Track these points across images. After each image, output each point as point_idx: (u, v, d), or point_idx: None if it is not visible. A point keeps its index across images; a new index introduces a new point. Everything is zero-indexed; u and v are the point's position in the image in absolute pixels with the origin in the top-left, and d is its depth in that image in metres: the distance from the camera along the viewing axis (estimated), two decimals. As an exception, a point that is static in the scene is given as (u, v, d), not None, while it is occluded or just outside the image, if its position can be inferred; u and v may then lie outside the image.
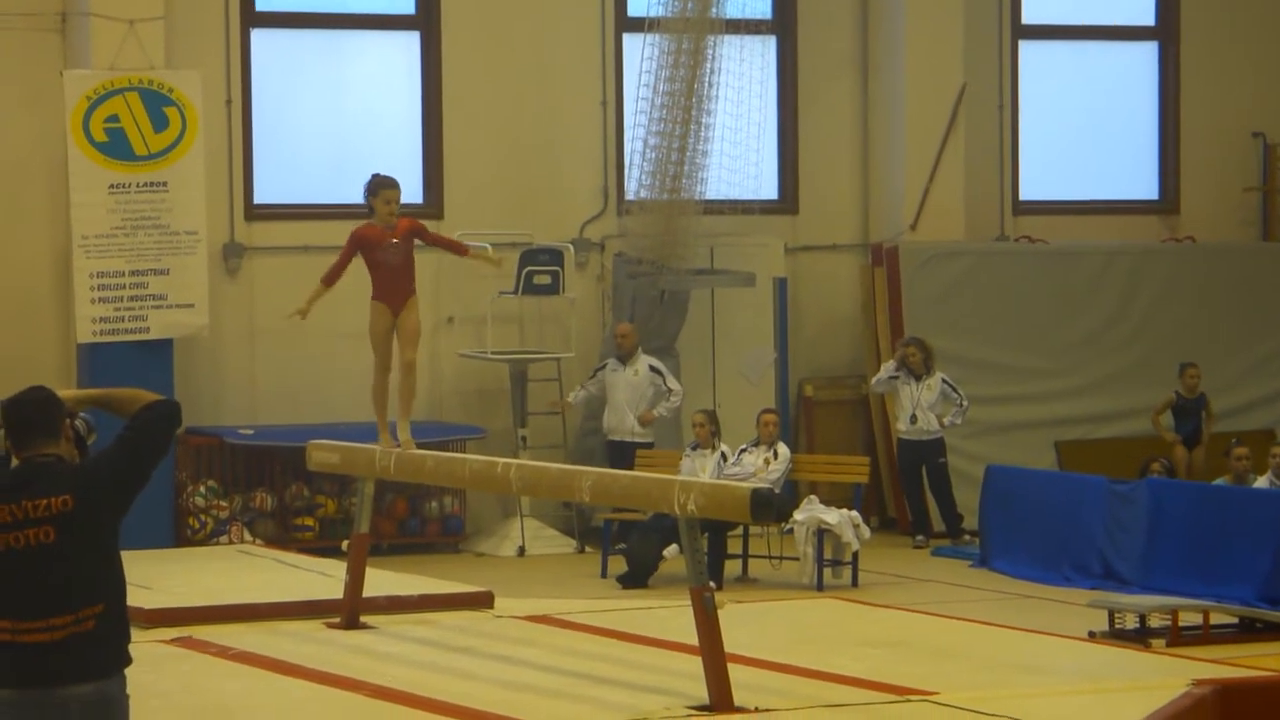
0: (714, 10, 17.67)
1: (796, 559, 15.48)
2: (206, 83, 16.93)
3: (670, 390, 17.08)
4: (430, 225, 17.47)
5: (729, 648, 9.93)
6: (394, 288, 12.03)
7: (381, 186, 12.08)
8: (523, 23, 18.20)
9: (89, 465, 6.16)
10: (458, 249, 12.60)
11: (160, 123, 16.62)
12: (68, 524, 6.03)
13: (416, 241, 12.10)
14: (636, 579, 15.32)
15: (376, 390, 12.30)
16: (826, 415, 18.89)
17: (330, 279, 12.20)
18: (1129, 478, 15.80)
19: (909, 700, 10.04)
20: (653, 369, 17.13)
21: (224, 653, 11.45)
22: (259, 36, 17.71)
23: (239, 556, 15.70)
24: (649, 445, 17.06)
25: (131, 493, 6.16)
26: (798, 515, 15.33)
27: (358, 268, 12.19)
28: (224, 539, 16.70)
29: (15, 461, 6.16)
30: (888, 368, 17.62)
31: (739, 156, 18.09)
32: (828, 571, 15.34)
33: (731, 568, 15.74)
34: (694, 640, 9.96)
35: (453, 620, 12.67)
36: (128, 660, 6.16)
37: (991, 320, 18.83)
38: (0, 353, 16.59)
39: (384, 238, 11.99)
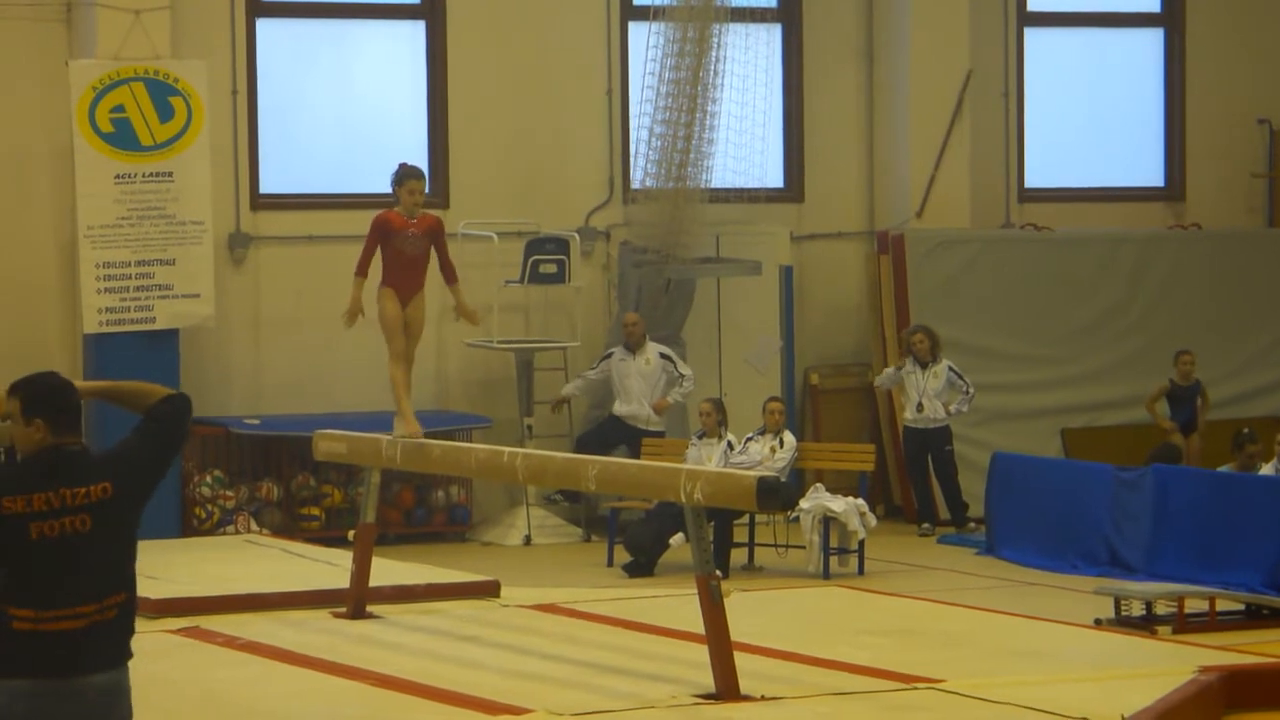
0: (719, -1, 17.68)
1: (802, 547, 15.50)
2: (212, 73, 16.93)
3: (683, 375, 17.12)
4: (436, 214, 17.59)
5: (735, 636, 9.95)
6: (406, 278, 12.10)
7: (408, 176, 12.19)
8: (528, 12, 18.20)
9: (124, 453, 6.17)
10: (449, 276, 12.42)
11: (166, 113, 16.63)
12: (104, 512, 6.05)
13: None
14: (642, 567, 15.34)
15: (397, 378, 12.32)
16: (832, 403, 18.89)
17: (363, 269, 12.25)
18: (1135, 465, 15.80)
19: (915, 688, 10.06)
20: (663, 356, 17.16)
21: (231, 642, 11.47)
22: (264, 26, 17.72)
23: (246, 546, 15.71)
24: (661, 433, 17.07)
25: (156, 483, 6.22)
26: (803, 503, 15.34)
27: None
28: (230, 529, 16.72)
29: (21, 450, 6.14)
30: (888, 374, 17.59)
31: (744, 145, 18.08)
32: (833, 560, 15.35)
33: (737, 556, 15.75)
34: (700, 629, 9.98)
35: (459, 609, 12.69)
36: (131, 653, 6.19)
37: (997, 308, 18.82)
38: (7, 343, 16.61)
39: (405, 226, 12.06)
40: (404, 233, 12.05)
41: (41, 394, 6.11)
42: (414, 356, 12.41)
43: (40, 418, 6.07)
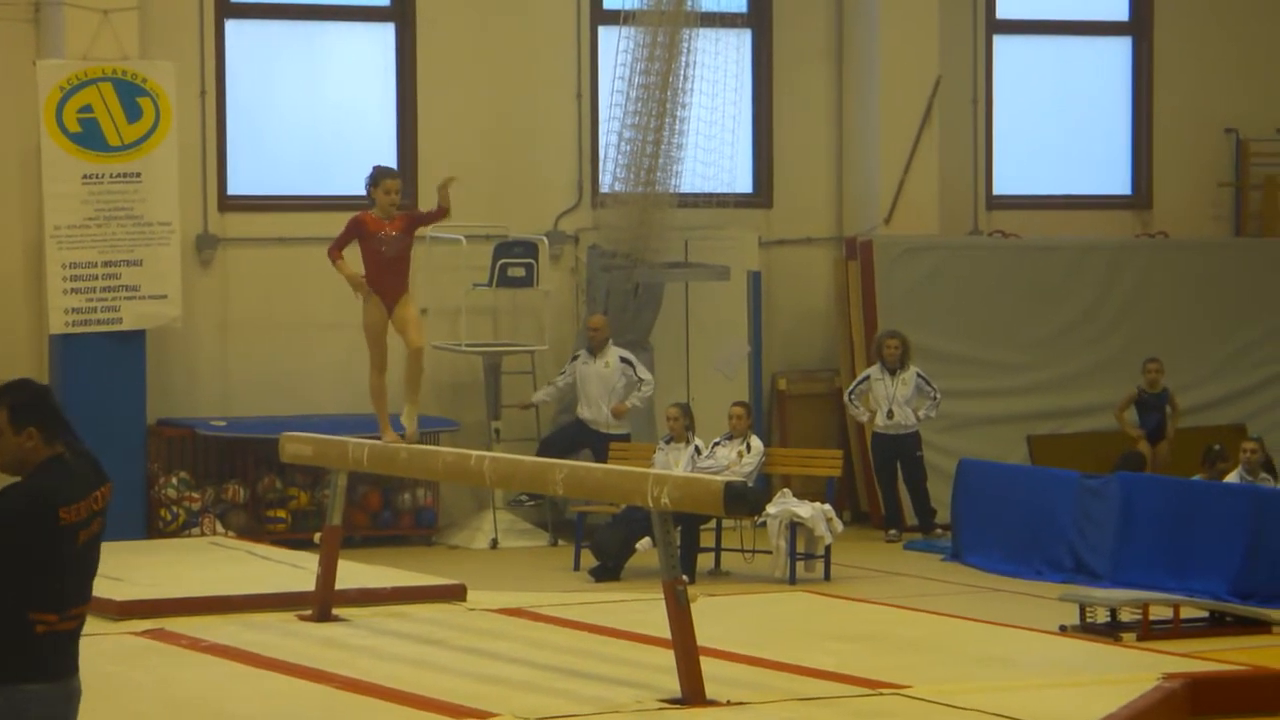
0: (689, 3, 17.68)
1: (769, 552, 15.50)
2: (181, 73, 16.89)
3: (642, 380, 17.10)
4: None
5: (701, 641, 9.95)
6: (387, 281, 11.90)
7: (383, 176, 12.00)
8: (498, 15, 18.20)
9: (89, 452, 6.17)
10: (440, 213, 12.20)
11: (134, 113, 16.58)
12: (105, 512, 6.10)
13: (420, 232, 11.98)
14: (609, 572, 15.33)
15: (375, 388, 12.19)
16: (800, 409, 18.91)
17: (334, 252, 12.03)
18: (1101, 472, 15.84)
19: (881, 693, 10.07)
20: (623, 360, 17.15)
21: (196, 645, 11.45)
22: (233, 27, 17.68)
23: (211, 549, 15.67)
24: (625, 437, 17.08)
25: None
26: (770, 509, 15.35)
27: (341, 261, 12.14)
28: (196, 531, 16.67)
29: (9, 461, 6.07)
30: (856, 409, 17.55)
31: (713, 150, 18.10)
32: (800, 565, 15.36)
33: (704, 561, 15.75)
34: (666, 633, 9.98)
35: (425, 613, 12.67)
36: None
37: (965, 314, 18.86)
38: (-28, 343, 16.57)
39: (381, 228, 11.89)
40: (380, 234, 11.89)
41: (29, 401, 6.03)
42: (423, 349, 12.20)
43: (33, 426, 5.99)
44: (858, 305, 18.64)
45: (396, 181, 12.01)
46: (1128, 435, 18.08)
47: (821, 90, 19.16)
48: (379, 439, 12.19)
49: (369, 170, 12.18)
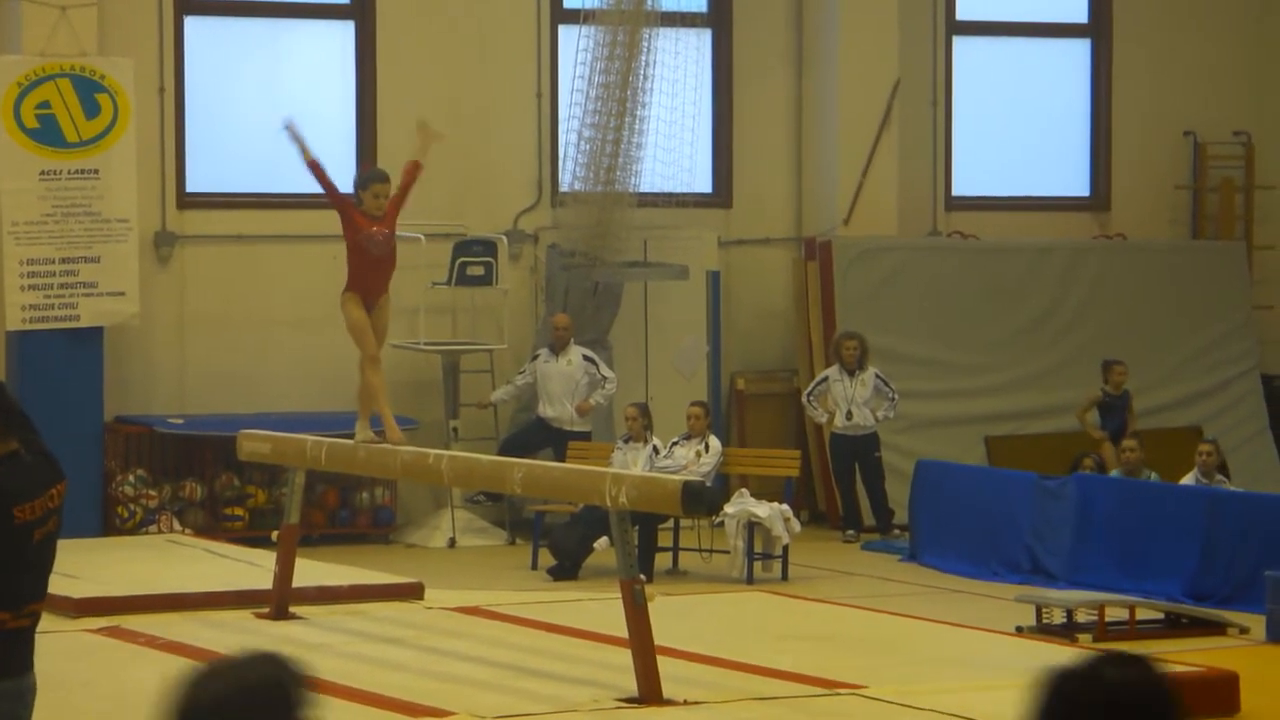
0: (649, 3, 17.69)
1: (727, 552, 15.52)
2: (139, 70, 16.85)
3: (605, 378, 17.11)
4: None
5: (658, 640, 9.97)
6: (372, 281, 11.78)
7: (371, 180, 11.91)
8: (458, 13, 18.18)
9: (46, 448, 6.15)
10: (414, 170, 12.10)
11: (92, 110, 16.53)
12: (61, 510, 6.08)
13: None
14: (566, 571, 15.33)
15: (372, 382, 11.92)
16: (758, 409, 18.93)
17: (316, 166, 11.89)
18: (1058, 474, 15.89)
19: (837, 693, 10.10)
20: (586, 358, 17.15)
21: (152, 642, 11.43)
22: (193, 24, 17.64)
23: (168, 546, 15.64)
24: (586, 435, 17.06)
25: None
26: (728, 508, 15.36)
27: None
28: (153, 528, 16.63)
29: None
30: (815, 410, 17.53)
31: (673, 149, 18.11)
32: (757, 565, 15.38)
33: (662, 560, 15.76)
34: (624, 632, 9.99)
35: (383, 611, 12.67)
36: None
37: (923, 315, 18.89)
38: (-72, 339, 16.49)
39: (369, 226, 11.79)
40: (367, 232, 11.79)
41: None
42: (379, 359, 12.10)
43: None
44: (816, 306, 18.67)
45: (385, 185, 11.87)
46: (1090, 436, 18.13)
47: (781, 90, 19.18)
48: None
49: (356, 173, 12.07)
